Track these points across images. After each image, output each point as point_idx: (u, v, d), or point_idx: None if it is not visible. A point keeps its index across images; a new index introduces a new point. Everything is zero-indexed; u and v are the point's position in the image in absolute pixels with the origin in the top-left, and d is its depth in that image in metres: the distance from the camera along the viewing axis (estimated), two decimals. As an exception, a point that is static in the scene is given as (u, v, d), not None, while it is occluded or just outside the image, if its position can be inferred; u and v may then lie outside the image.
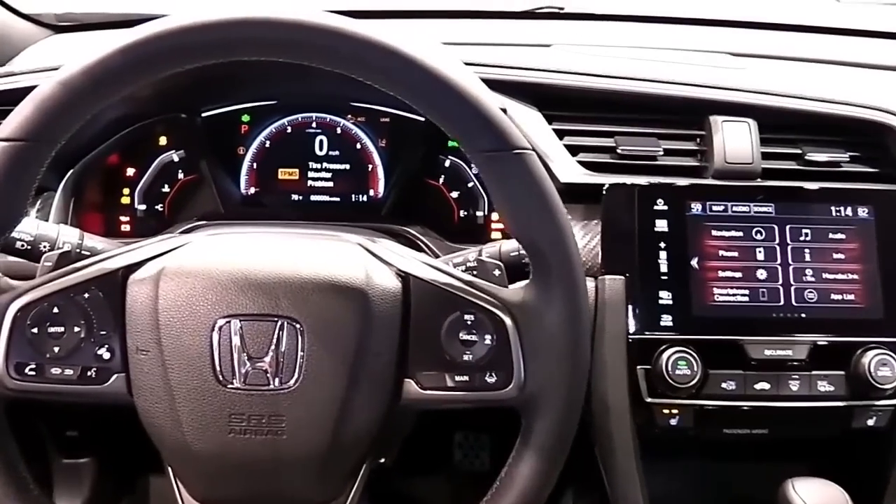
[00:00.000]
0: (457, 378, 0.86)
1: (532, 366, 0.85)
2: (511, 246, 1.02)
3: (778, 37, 1.59)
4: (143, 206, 1.30)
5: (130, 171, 1.30)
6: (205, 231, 1.05)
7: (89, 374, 0.86)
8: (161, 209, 1.30)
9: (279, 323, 0.84)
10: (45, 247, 0.98)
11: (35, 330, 0.85)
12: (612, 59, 1.31)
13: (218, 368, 0.83)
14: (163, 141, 1.30)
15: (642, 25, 1.64)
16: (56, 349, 0.85)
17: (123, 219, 1.30)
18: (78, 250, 1.00)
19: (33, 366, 0.85)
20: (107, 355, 0.86)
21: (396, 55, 0.78)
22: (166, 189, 1.30)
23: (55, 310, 0.85)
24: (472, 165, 1.30)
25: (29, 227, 0.99)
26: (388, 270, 0.88)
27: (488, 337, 0.86)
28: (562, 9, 1.65)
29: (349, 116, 1.31)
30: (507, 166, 0.81)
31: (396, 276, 0.88)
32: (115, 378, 0.86)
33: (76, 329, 0.85)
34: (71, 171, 1.21)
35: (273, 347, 0.83)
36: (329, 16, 0.78)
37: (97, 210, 1.28)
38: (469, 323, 0.86)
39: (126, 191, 1.29)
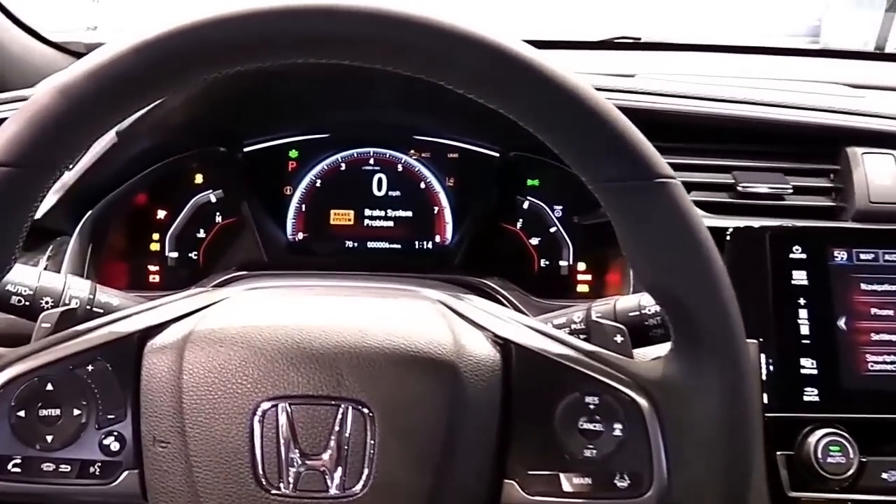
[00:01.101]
0: (575, 480, 0.64)
1: (678, 466, 0.63)
2: (629, 304, 0.79)
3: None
4: (174, 254, 1.11)
5: (161, 214, 1.11)
6: (244, 284, 0.82)
7: (92, 469, 0.65)
8: (195, 257, 1.12)
9: (342, 408, 0.62)
10: (47, 303, 0.77)
11: (22, 413, 0.64)
12: (715, 86, 1.08)
13: (260, 468, 0.62)
14: (198, 179, 1.12)
15: (725, 56, 1.43)
16: (49, 438, 0.64)
17: (152, 268, 1.11)
18: (88, 307, 0.79)
19: (19, 460, 0.64)
20: (115, 446, 0.65)
21: (501, 52, 0.56)
22: (202, 234, 1.12)
23: (49, 386, 0.64)
24: (555, 208, 1.12)
25: (29, 279, 0.78)
26: (481, 337, 0.67)
27: (618, 426, 0.64)
28: (639, 39, 1.45)
29: (412, 152, 1.13)
30: (645, 200, 0.59)
31: (493, 345, 0.66)
32: (125, 476, 0.65)
33: (76, 412, 0.64)
34: (90, 212, 1.03)
35: (333, 440, 0.62)
36: (404, 4, 0.56)
37: (120, 258, 1.10)
38: (592, 407, 0.64)
39: (155, 236, 1.11)
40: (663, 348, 0.71)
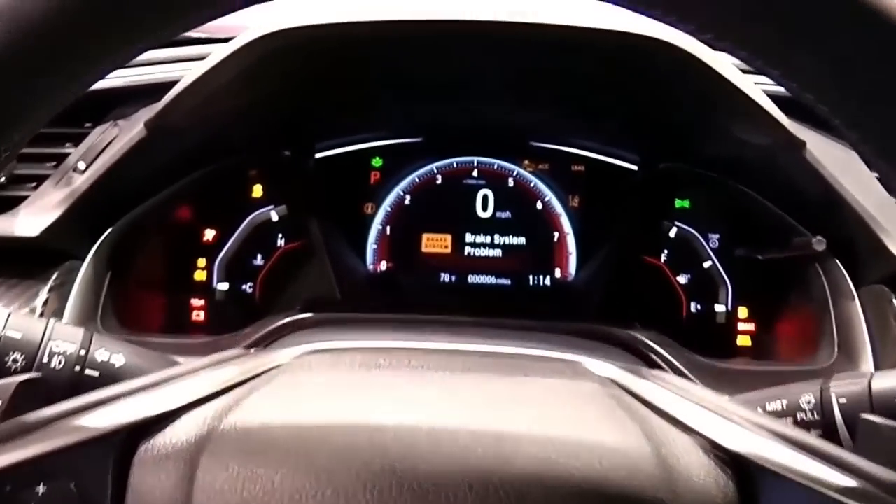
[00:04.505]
0: None
1: None
2: None
3: None
4: (224, 286, 0.85)
5: (208, 234, 0.86)
6: (305, 336, 0.51)
7: None
8: (250, 290, 0.86)
9: None
10: (14, 361, 0.47)
11: None
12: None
13: None
14: (257, 190, 0.87)
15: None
16: None
17: (195, 303, 0.85)
18: (78, 369, 0.49)
19: None
20: None
21: None
22: (259, 261, 0.86)
23: None
24: (710, 236, 0.84)
25: None
26: (699, 450, 0.37)
27: None
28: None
29: (526, 162, 0.88)
30: None
31: (720, 465, 0.36)
32: None
33: None
34: (109, 229, 0.75)
35: None
36: None
37: (152, 290, 0.82)
38: None
39: (201, 262, 0.85)
40: None
